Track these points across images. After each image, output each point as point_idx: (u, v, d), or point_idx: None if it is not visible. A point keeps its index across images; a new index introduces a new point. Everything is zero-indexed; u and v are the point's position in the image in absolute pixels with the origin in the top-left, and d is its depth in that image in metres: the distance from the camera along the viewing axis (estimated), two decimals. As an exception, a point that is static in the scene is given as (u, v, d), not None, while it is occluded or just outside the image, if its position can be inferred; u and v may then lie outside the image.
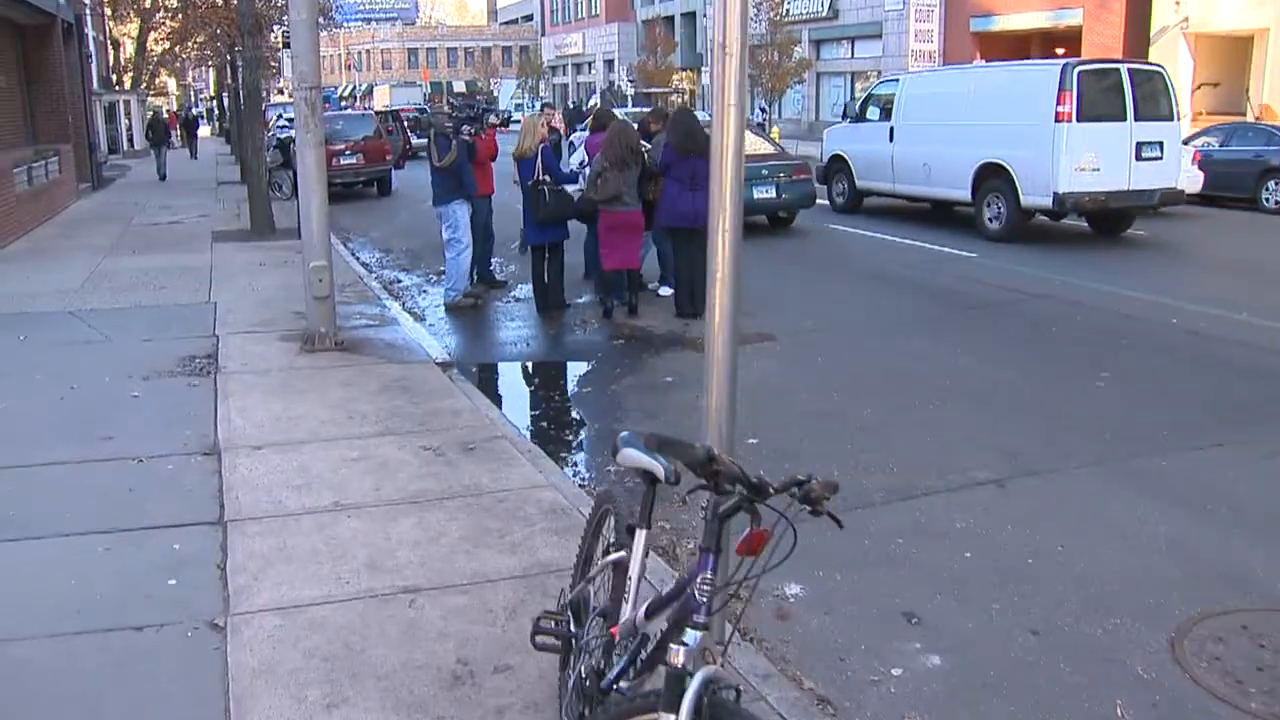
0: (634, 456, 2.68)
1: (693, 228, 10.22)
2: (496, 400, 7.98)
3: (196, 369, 8.28)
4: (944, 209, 17.34)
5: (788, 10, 39.75)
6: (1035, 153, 14.59)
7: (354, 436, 6.63)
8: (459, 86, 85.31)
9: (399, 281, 13.06)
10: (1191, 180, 17.60)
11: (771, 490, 2.43)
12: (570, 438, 7.35)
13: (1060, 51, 34.71)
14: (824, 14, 41.39)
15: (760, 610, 4.54)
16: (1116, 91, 14.70)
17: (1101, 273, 12.55)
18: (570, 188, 10.87)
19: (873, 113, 18.70)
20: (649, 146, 10.86)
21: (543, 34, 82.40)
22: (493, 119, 11.79)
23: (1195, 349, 9.15)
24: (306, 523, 5.26)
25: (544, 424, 7.59)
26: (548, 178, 10.54)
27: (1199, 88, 28.10)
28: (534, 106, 48.69)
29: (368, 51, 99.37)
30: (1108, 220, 15.77)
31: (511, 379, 9.17)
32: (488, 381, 8.75)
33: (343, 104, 70.55)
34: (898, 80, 18.92)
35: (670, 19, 58.14)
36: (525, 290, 11.75)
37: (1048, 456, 6.56)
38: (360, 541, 5.03)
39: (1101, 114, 14.47)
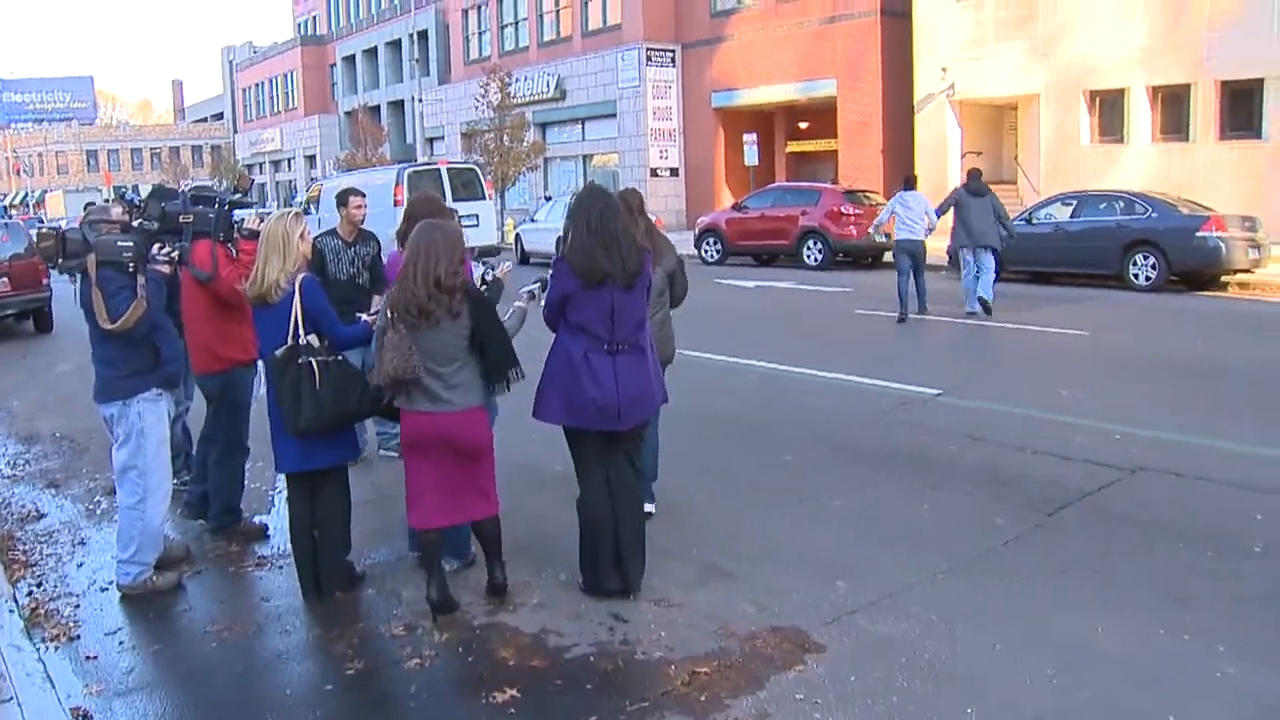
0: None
1: (615, 430, 5.01)
2: None
3: None
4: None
5: (512, 92, 34.93)
6: (388, 228, 15.62)
7: None
8: (145, 191, 75.16)
9: (39, 516, 6.92)
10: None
11: None
12: None
13: (803, 126, 31.96)
14: (550, 94, 36.89)
15: None
16: (437, 182, 20.60)
17: (1143, 413, 8.35)
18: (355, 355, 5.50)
19: (314, 207, 22.84)
20: (499, 272, 5.49)
21: (235, 130, 74.06)
22: (250, 221, 5.91)
23: None
24: None
25: None
26: (314, 339, 5.08)
27: (965, 155, 25.52)
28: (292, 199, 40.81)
29: (40, 155, 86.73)
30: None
31: None
32: None
33: (10, 213, 59.74)
34: (323, 181, 25.37)
35: (376, 108, 52.26)
36: (278, 543, 6.15)
37: None
38: None
39: None
